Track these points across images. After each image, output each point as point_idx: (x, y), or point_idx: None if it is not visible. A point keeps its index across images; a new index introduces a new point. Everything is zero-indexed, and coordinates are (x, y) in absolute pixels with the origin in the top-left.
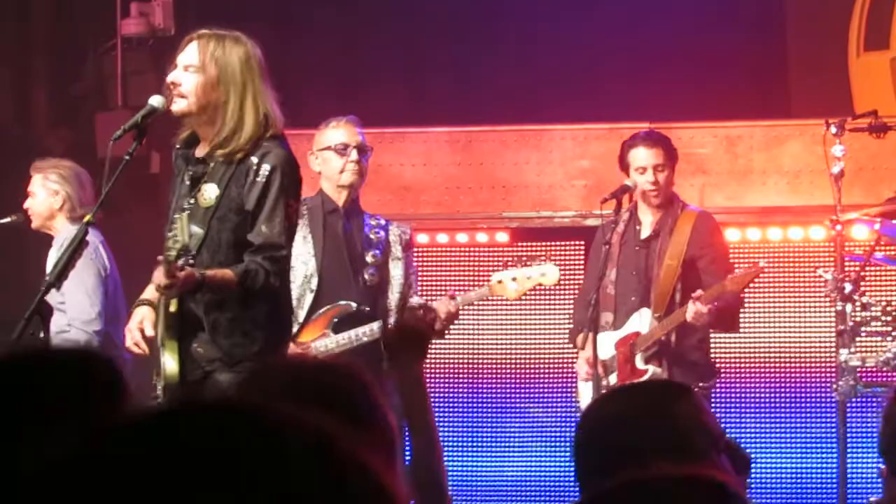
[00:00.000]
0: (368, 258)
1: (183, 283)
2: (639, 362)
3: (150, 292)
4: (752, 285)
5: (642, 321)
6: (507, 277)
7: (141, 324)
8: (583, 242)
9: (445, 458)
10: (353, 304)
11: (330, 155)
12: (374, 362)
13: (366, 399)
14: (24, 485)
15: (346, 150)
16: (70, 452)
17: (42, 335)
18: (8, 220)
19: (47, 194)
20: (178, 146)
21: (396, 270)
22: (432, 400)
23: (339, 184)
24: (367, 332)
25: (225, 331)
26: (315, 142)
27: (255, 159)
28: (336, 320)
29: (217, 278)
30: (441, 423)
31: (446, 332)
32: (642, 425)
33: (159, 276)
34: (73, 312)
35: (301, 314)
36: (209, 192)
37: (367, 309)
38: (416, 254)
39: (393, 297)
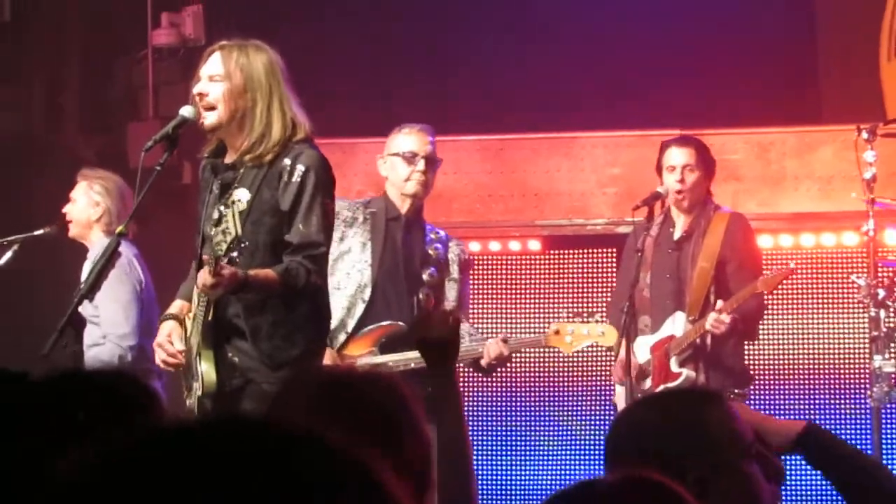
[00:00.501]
0: (425, 276)
1: (228, 283)
2: (673, 366)
3: (175, 307)
4: (785, 292)
5: (676, 324)
6: (566, 330)
7: (169, 338)
8: (615, 250)
9: (479, 467)
10: (402, 325)
11: (397, 161)
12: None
13: (402, 415)
14: (43, 497)
15: (414, 158)
16: (82, 466)
17: (75, 347)
18: (41, 231)
19: (88, 203)
20: (205, 156)
21: (451, 293)
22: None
23: (403, 192)
24: (416, 358)
25: (266, 335)
26: (385, 146)
27: (287, 161)
28: (384, 340)
29: (260, 278)
30: (474, 430)
31: (494, 373)
32: (673, 431)
33: (204, 275)
34: (107, 326)
35: (350, 324)
36: (241, 197)
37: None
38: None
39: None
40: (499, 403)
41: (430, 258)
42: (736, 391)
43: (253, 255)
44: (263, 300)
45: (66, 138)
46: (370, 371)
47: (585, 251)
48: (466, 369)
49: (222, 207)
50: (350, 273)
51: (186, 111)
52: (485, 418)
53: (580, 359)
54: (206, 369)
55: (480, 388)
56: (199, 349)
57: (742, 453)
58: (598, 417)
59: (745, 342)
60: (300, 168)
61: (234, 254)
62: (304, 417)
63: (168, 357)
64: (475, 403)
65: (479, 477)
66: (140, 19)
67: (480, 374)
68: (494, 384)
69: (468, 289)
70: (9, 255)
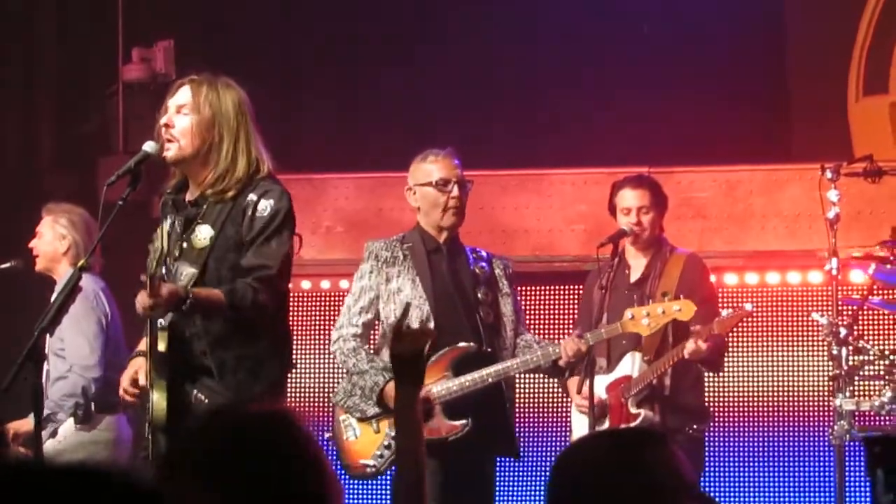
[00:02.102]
0: (479, 296)
1: (168, 300)
2: (631, 406)
3: (143, 344)
4: (749, 329)
5: (633, 365)
6: (641, 314)
7: (135, 374)
8: (581, 286)
9: None
10: (473, 345)
11: (429, 191)
12: (499, 403)
13: (299, 451)
14: None
15: (448, 185)
16: None
17: (34, 381)
18: (7, 265)
19: (54, 237)
20: (167, 191)
21: (507, 307)
22: None
23: (441, 224)
24: (493, 373)
25: (231, 369)
26: (411, 176)
27: (253, 196)
28: (456, 362)
29: (203, 294)
30: None
31: (569, 370)
32: (614, 471)
33: (142, 297)
34: (73, 358)
35: None
36: (203, 233)
37: (489, 350)
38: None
39: (508, 335)
40: None
41: (479, 278)
42: (695, 427)
43: (220, 279)
44: (225, 335)
45: (39, 172)
46: (266, 412)
47: (552, 287)
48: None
49: (177, 248)
50: (409, 311)
51: (149, 147)
52: None
53: (537, 394)
54: (157, 399)
55: None
56: (153, 380)
57: (682, 495)
58: (551, 453)
59: (706, 379)
60: (269, 203)
61: (163, 269)
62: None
63: (124, 393)
64: None
65: None
66: (111, 53)
67: (556, 379)
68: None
69: (518, 300)
70: None
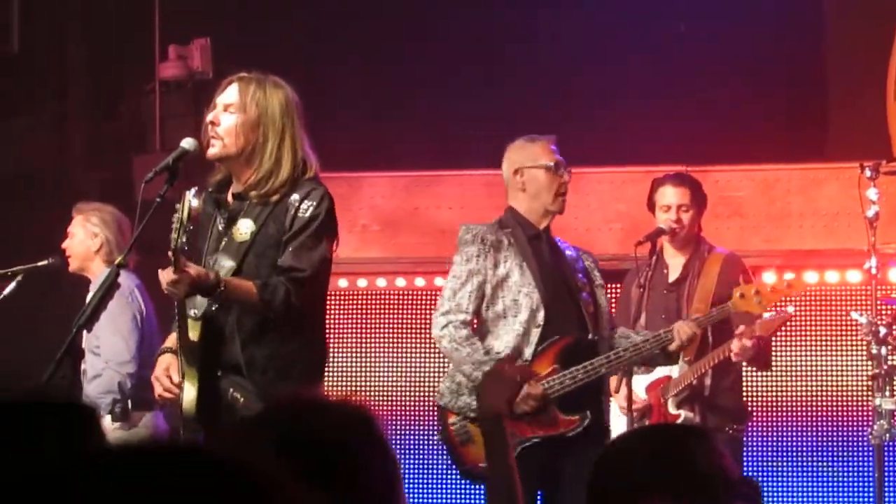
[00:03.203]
0: (578, 284)
1: (193, 280)
2: (671, 407)
3: (171, 340)
4: (788, 329)
5: (674, 365)
6: (750, 292)
7: (167, 371)
8: (620, 285)
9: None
10: (580, 336)
11: (541, 174)
12: (602, 395)
13: (357, 450)
14: None
15: (560, 169)
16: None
17: (72, 378)
18: (44, 263)
19: (86, 236)
20: (209, 189)
21: (602, 298)
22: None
23: (548, 208)
24: (605, 363)
25: (261, 368)
26: (516, 158)
27: (296, 196)
28: (563, 353)
29: (235, 284)
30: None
31: (683, 353)
32: (660, 466)
33: (167, 273)
34: (108, 354)
35: (528, 351)
36: (244, 227)
37: (595, 338)
38: None
39: (605, 325)
40: None
41: (576, 266)
42: (735, 427)
43: (261, 267)
44: (259, 332)
45: (72, 171)
46: (331, 403)
47: None
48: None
49: (224, 238)
50: (518, 299)
51: (187, 143)
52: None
53: None
54: (187, 390)
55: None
56: (183, 369)
57: (728, 492)
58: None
59: (745, 380)
60: (311, 204)
61: (184, 238)
62: (264, 452)
63: (165, 391)
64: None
65: None
66: (148, 52)
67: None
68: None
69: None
70: (12, 286)
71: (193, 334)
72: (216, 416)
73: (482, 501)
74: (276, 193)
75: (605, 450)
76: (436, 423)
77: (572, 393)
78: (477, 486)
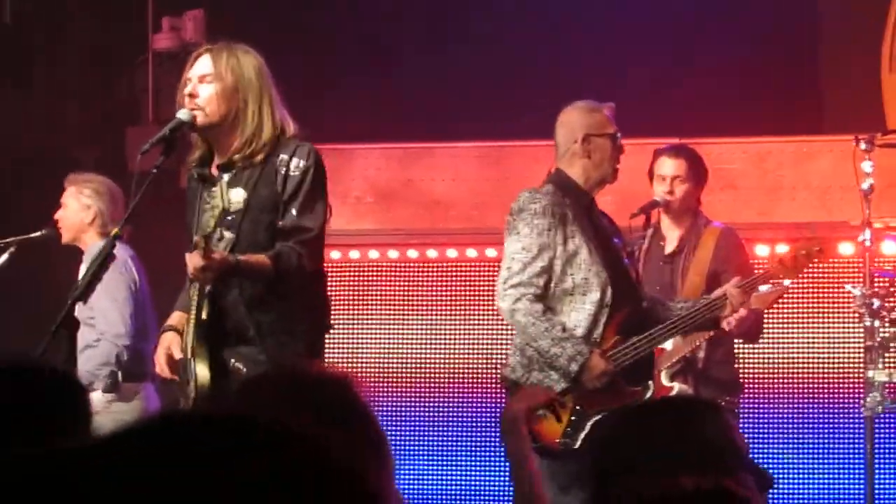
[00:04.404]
0: (622, 252)
1: (219, 266)
2: (664, 379)
3: (174, 318)
4: (780, 300)
5: None
6: (788, 257)
7: (169, 349)
8: None
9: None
10: (636, 305)
11: (607, 143)
12: (653, 363)
13: (354, 413)
14: None
15: (618, 142)
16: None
17: (68, 349)
18: (38, 234)
19: (79, 207)
20: (193, 165)
21: (637, 264)
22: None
23: (605, 178)
24: (662, 332)
25: (269, 330)
26: (584, 123)
27: (284, 156)
28: (624, 324)
29: (251, 262)
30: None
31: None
32: (671, 441)
33: (195, 258)
34: (102, 326)
35: (597, 332)
36: (235, 196)
37: (648, 309)
38: (449, 268)
39: (646, 294)
40: (443, 409)
41: (620, 235)
42: (727, 399)
43: (255, 246)
44: (262, 297)
45: (67, 143)
46: (324, 372)
47: None
48: None
49: (210, 216)
50: (588, 278)
51: (183, 114)
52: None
53: None
54: (200, 369)
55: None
56: (195, 349)
57: (737, 463)
58: None
59: (738, 351)
60: (301, 162)
61: (221, 228)
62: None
63: (167, 369)
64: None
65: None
66: (141, 23)
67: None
68: (440, 387)
69: None
70: (5, 257)
71: (205, 312)
72: (228, 388)
73: (467, 472)
74: (261, 153)
75: (611, 423)
76: (504, 397)
77: (631, 363)
78: (463, 459)
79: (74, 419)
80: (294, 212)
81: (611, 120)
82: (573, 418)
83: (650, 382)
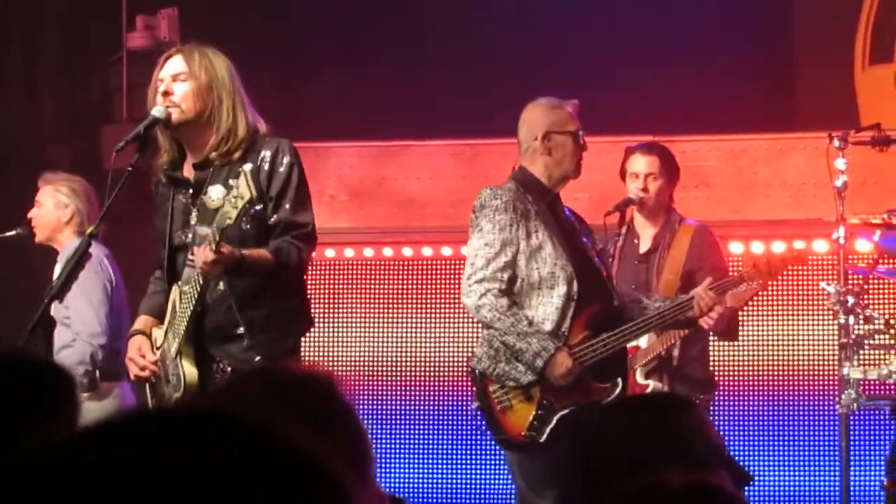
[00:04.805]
0: (590, 250)
1: (227, 260)
2: (639, 377)
3: (140, 322)
4: (755, 298)
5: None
6: (762, 260)
7: (140, 350)
8: None
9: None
10: (606, 303)
11: (569, 140)
12: (626, 361)
13: (336, 413)
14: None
15: (580, 139)
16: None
17: (45, 348)
18: (12, 233)
19: (55, 206)
20: (164, 168)
21: (608, 263)
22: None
23: (568, 174)
24: (633, 329)
25: (261, 327)
26: (544, 121)
27: (266, 153)
28: (594, 321)
29: (255, 256)
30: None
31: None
32: (648, 438)
33: (206, 253)
34: (78, 325)
35: (565, 326)
36: (215, 193)
37: (618, 305)
38: (424, 267)
39: (618, 290)
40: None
41: (586, 231)
42: (701, 397)
43: (242, 240)
44: (253, 293)
45: (42, 142)
46: (308, 370)
47: None
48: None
49: (190, 217)
50: (554, 272)
51: (158, 111)
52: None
53: None
54: (188, 368)
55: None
56: (181, 348)
57: (714, 459)
58: None
59: (712, 347)
60: (286, 158)
61: (244, 220)
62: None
63: (141, 370)
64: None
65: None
66: (115, 22)
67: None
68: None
69: None
70: None
71: (183, 306)
72: (213, 386)
73: (445, 468)
74: (238, 150)
75: (590, 422)
76: (472, 387)
77: (602, 360)
78: (440, 455)
79: (61, 409)
80: (287, 206)
81: (573, 117)
82: (539, 412)
83: (619, 380)
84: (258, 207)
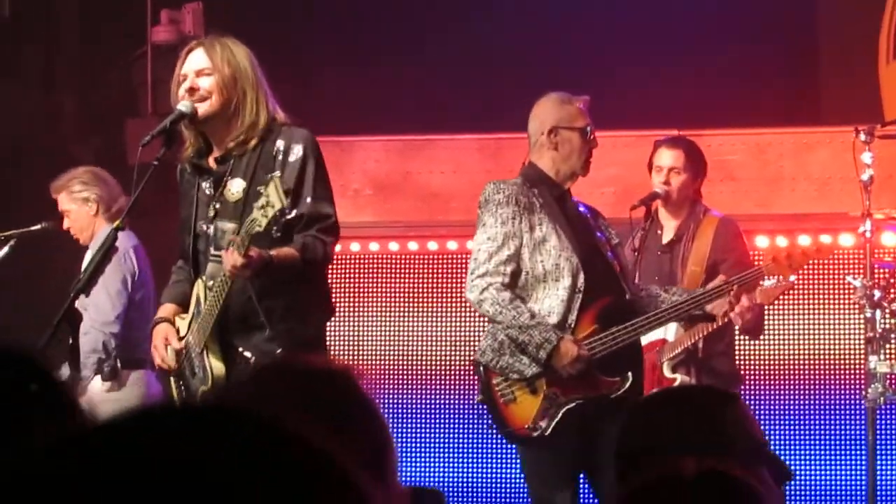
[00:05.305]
0: (602, 244)
1: (256, 263)
2: (666, 370)
3: (164, 311)
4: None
5: (668, 328)
6: (782, 255)
7: (166, 339)
8: None
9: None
10: (617, 296)
11: (576, 136)
12: (639, 355)
13: (356, 409)
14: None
15: (588, 135)
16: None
17: (71, 341)
18: (37, 227)
19: (79, 206)
20: (190, 157)
21: (623, 257)
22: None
23: (576, 171)
24: (645, 323)
25: (280, 317)
26: (553, 116)
27: (280, 143)
28: (603, 314)
29: (282, 256)
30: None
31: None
32: (691, 431)
33: (234, 257)
34: (93, 314)
35: (571, 318)
36: (235, 187)
37: (630, 299)
38: (449, 261)
39: (633, 283)
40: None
41: (595, 226)
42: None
43: (258, 241)
44: (273, 283)
45: (64, 137)
46: (330, 365)
47: None
48: None
49: (211, 210)
50: (559, 263)
51: (184, 106)
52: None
53: None
54: (215, 363)
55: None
56: (207, 343)
57: (755, 455)
58: None
59: (739, 343)
60: (298, 147)
61: (274, 228)
62: (276, 407)
63: (166, 359)
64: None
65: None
66: (139, 16)
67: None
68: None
69: None
70: (5, 250)
71: (209, 304)
72: (237, 378)
73: (466, 463)
74: (254, 139)
75: (632, 414)
76: (477, 380)
77: (612, 354)
78: (470, 451)
79: (49, 407)
80: (309, 200)
81: (583, 113)
82: (545, 404)
83: (629, 374)
84: (290, 216)
